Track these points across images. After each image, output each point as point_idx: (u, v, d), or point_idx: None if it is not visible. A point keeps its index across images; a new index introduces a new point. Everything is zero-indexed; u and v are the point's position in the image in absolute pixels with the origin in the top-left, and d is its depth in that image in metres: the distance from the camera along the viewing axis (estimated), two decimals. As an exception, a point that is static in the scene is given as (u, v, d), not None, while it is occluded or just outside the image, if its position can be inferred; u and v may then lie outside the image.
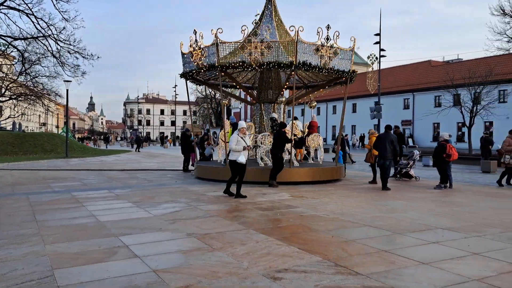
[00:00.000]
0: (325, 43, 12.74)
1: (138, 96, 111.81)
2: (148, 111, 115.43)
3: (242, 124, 9.81)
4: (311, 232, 6.49)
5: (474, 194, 11.00)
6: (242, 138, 9.54)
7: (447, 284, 4.25)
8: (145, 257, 5.15)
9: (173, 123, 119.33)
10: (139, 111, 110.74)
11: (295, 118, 14.75)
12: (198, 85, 16.66)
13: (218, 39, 12.72)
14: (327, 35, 12.76)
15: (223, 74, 13.68)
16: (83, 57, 27.25)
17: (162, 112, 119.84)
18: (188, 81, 14.95)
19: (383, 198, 10.11)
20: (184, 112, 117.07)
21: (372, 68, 41.01)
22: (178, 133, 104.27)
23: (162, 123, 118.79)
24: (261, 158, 13.49)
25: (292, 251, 5.38)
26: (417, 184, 13.31)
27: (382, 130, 15.59)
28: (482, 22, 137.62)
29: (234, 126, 15.36)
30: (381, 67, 36.45)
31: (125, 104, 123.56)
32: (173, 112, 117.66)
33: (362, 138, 49.15)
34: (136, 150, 36.71)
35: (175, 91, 73.21)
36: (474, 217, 7.83)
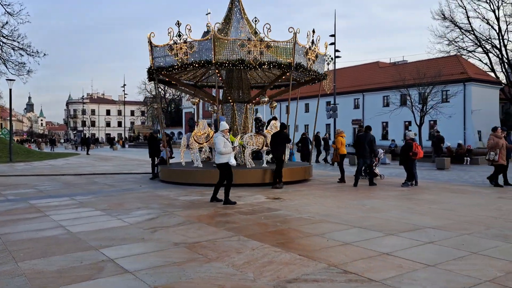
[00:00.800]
0: (312, 47, 12.98)
1: (83, 96, 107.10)
2: (93, 111, 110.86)
3: (225, 125, 9.40)
4: (304, 236, 6.27)
5: (441, 191, 11.26)
6: (227, 139, 9.15)
7: (464, 286, 4.17)
8: (138, 271, 4.70)
9: (120, 124, 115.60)
10: (83, 112, 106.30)
11: (274, 118, 14.55)
12: (160, 84, 15.73)
13: (214, 34, 12.15)
14: (313, 39, 12.97)
15: (217, 72, 13.27)
16: (28, 54, 25.54)
17: (108, 112, 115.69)
18: (151, 78, 14.30)
19: (359, 198, 10.10)
20: (132, 113, 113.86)
21: (328, 69, 41.64)
22: (126, 134, 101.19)
23: (108, 124, 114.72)
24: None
25: (294, 258, 5.13)
26: (384, 182, 13.52)
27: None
28: (425, 26, 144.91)
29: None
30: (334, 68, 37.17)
31: (67, 104, 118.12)
32: (120, 113, 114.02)
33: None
34: (86, 153, 35.04)
35: (123, 90, 70.22)
36: (453, 214, 7.95)
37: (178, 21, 12.67)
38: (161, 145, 15.69)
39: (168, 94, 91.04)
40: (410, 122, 44.21)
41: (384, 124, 47.21)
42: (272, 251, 5.45)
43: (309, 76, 14.15)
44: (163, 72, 13.39)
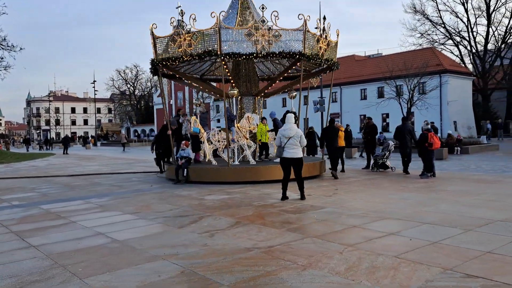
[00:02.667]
0: (323, 35, 12.39)
1: (49, 93, 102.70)
2: (57, 109, 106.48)
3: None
4: (380, 236, 5.82)
5: (465, 182, 11.09)
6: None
7: None
8: (235, 284, 4.12)
9: (86, 122, 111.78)
10: (47, 110, 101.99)
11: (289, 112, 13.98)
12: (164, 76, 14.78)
13: (220, 23, 11.41)
14: (323, 26, 12.36)
15: (224, 63, 12.55)
16: (2, 48, 23.89)
17: (73, 110, 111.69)
18: (155, 72, 13.48)
19: (391, 191, 9.74)
20: (99, 110, 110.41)
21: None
22: (92, 133, 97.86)
23: (74, 123, 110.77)
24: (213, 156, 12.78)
25: (395, 262, 4.67)
26: (400, 174, 13.27)
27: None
28: (393, 21, 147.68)
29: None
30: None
31: (29, 102, 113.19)
32: (86, 110, 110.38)
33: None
34: (63, 152, 33.43)
35: (94, 87, 67.75)
36: (505, 205, 7.72)
37: (181, 10, 11.93)
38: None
39: (137, 91, 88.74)
40: (388, 115, 44.81)
41: (362, 117, 47.52)
42: (363, 254, 4.97)
43: (321, 65, 13.60)
44: (167, 64, 12.64)
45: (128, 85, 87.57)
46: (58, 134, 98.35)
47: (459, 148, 22.84)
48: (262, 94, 14.25)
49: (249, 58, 11.84)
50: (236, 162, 12.71)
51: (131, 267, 4.79)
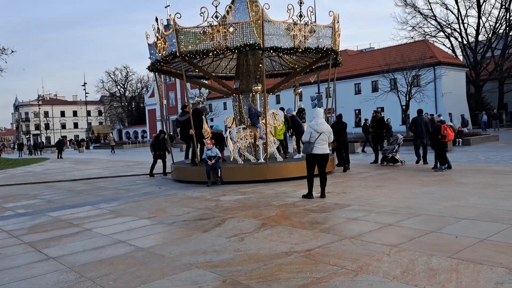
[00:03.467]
0: (298, 21, 11.39)
1: (39, 97, 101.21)
2: (46, 113, 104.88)
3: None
4: (422, 234, 5.49)
5: (483, 174, 10.81)
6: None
7: None
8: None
9: (76, 125, 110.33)
10: (36, 114, 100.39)
11: (282, 109, 13.67)
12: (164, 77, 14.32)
13: (176, 26, 10.99)
14: (300, 12, 11.47)
15: (187, 64, 12.17)
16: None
17: (62, 114, 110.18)
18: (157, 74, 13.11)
19: (412, 186, 9.43)
20: (89, 113, 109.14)
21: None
22: (83, 136, 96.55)
23: (64, 126, 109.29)
24: (241, 155, 12.32)
25: (452, 263, 4.33)
26: (411, 168, 13.01)
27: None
28: (380, 15, 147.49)
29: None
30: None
31: (17, 107, 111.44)
32: (76, 114, 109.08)
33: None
34: (57, 157, 32.77)
35: (84, 89, 66.64)
36: (536, 197, 7.46)
37: (156, 17, 11.54)
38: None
39: (128, 92, 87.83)
40: (382, 108, 44.69)
41: (357, 111, 47.41)
42: (413, 255, 4.65)
43: (311, 56, 13.15)
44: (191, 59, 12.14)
45: (118, 87, 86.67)
46: (48, 139, 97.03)
47: (460, 140, 22.71)
48: (275, 90, 13.90)
49: (288, 53, 11.55)
50: (262, 160, 12.33)
51: (166, 278, 4.42)
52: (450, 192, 8.44)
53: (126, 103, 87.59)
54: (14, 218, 8.46)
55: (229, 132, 12.40)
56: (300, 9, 11.31)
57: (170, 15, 10.89)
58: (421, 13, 51.99)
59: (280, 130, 12.90)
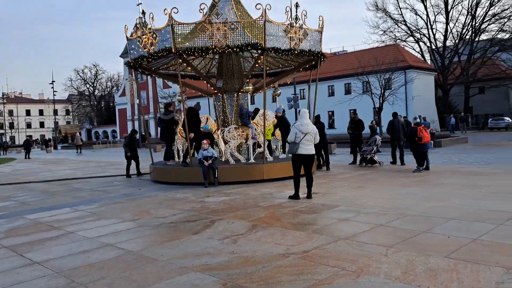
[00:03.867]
0: (294, 24, 11.51)
1: (3, 95, 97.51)
2: (11, 112, 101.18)
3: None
4: (415, 234, 5.54)
5: (460, 175, 11.06)
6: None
7: None
8: (293, 297, 3.72)
9: (42, 124, 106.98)
10: (0, 113, 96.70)
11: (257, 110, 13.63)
12: (143, 74, 14.02)
13: (173, 20, 10.88)
14: (296, 14, 11.68)
15: (180, 60, 11.94)
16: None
17: (28, 113, 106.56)
18: (134, 70, 12.81)
19: (394, 187, 9.58)
20: (56, 112, 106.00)
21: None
22: (49, 135, 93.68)
23: (29, 125, 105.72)
24: (231, 155, 12.14)
25: (447, 263, 4.39)
26: (390, 169, 13.22)
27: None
28: (360, 17, 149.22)
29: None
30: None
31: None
32: (42, 113, 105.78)
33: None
34: (25, 157, 31.65)
35: (52, 87, 64.61)
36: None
37: (143, 10, 11.38)
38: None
39: (97, 91, 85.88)
40: (355, 111, 45.37)
41: (330, 113, 47.92)
42: (410, 255, 4.68)
43: (299, 59, 13.22)
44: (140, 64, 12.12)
45: (88, 85, 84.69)
46: (12, 138, 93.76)
47: (432, 142, 23.26)
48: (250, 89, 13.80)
49: (286, 54, 11.62)
50: (252, 160, 12.24)
51: (163, 282, 4.28)
52: (431, 193, 8.59)
53: (96, 102, 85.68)
54: (-12, 221, 8.07)
55: (221, 131, 12.26)
56: (296, 12, 11.37)
57: (165, 10, 10.63)
58: (392, 18, 53.16)
59: (269, 130, 12.89)
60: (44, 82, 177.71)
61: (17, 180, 15.20)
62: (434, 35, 52.23)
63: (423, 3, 51.02)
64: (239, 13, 12.46)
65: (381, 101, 29.20)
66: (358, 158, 14.73)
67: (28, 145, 32.65)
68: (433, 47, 52.14)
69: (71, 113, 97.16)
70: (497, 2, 47.48)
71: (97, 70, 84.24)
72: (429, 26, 51.82)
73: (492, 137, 29.43)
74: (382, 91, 28.91)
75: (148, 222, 7.11)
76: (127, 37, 12.26)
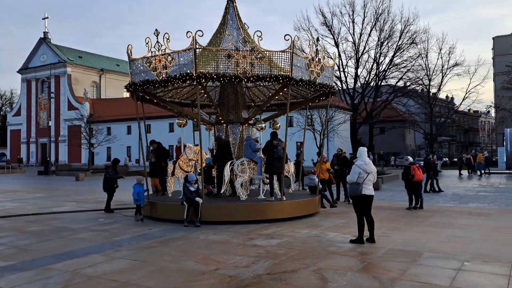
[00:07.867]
0: (315, 58, 11.37)
1: None
2: None
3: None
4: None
5: (455, 214, 11.73)
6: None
7: None
8: None
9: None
10: None
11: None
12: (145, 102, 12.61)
13: (197, 44, 10.08)
14: (316, 48, 11.56)
15: (200, 87, 11.08)
16: None
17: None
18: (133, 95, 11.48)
19: (427, 228, 9.59)
20: None
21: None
22: None
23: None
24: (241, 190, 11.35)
25: None
26: (381, 206, 13.35)
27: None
28: None
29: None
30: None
31: None
32: None
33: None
34: None
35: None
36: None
37: (156, 29, 10.47)
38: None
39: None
40: (301, 143, 46.12)
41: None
42: None
43: (314, 92, 12.92)
44: (144, 89, 11.03)
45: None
46: None
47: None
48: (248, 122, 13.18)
49: (306, 87, 11.45)
50: (262, 196, 11.44)
51: None
52: (454, 232, 8.78)
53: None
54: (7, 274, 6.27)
55: (230, 164, 11.32)
56: (316, 46, 11.17)
57: (189, 32, 9.71)
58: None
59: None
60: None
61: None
62: (346, 78, 56.34)
63: (337, 47, 54.92)
64: (250, 40, 11.92)
65: (322, 137, 30.14)
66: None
67: None
68: (345, 88, 56.11)
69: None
70: (399, 54, 53.17)
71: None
72: (342, 69, 55.79)
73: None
74: (323, 127, 29.95)
75: (238, 273, 6.09)
76: (129, 58, 11.00)
